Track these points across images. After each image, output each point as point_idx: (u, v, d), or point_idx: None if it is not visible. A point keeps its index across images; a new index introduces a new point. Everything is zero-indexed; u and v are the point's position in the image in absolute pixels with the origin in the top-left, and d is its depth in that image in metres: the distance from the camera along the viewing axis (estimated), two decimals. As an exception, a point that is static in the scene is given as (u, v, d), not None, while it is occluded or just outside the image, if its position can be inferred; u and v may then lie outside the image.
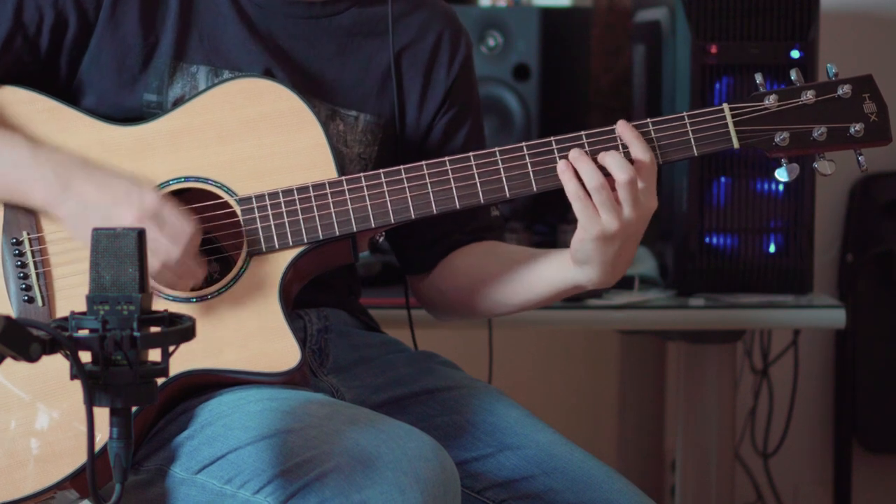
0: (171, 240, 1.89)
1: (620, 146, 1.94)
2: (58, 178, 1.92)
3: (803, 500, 3.64)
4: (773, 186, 2.80)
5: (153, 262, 1.87)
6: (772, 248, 2.81)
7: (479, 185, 1.96)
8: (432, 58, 2.14)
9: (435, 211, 1.96)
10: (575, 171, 1.92)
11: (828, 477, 3.57)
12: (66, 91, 2.05)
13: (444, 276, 2.15)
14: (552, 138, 1.96)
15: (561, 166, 1.93)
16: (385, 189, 1.96)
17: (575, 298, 2.77)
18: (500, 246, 2.15)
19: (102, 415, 1.58)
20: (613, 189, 1.91)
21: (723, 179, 2.80)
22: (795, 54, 2.77)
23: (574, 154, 1.93)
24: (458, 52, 2.16)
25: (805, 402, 3.53)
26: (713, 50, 2.77)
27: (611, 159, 1.92)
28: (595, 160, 1.92)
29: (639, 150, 1.93)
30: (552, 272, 2.03)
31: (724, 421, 3.00)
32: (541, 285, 2.04)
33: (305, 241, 1.96)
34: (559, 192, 1.96)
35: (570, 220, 3.04)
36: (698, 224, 2.80)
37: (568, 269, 1.99)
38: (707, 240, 2.81)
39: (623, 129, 1.94)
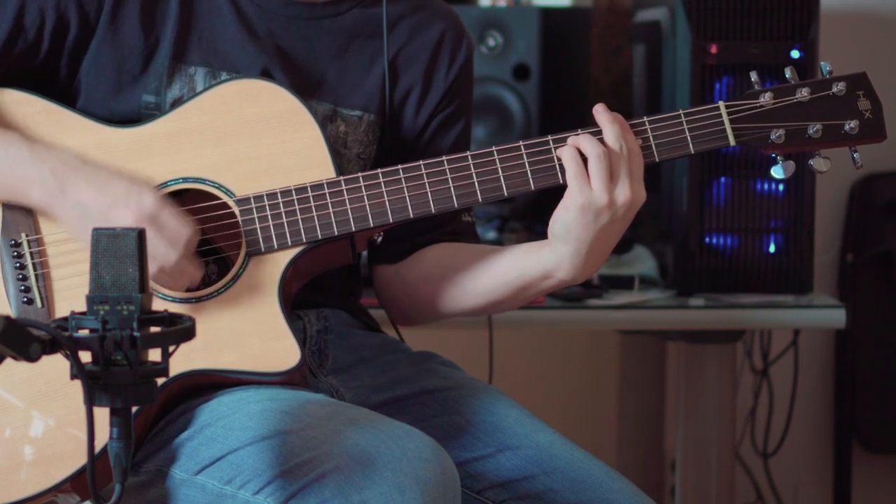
0: (168, 243, 1.90)
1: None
2: (55, 178, 1.92)
3: (803, 500, 3.64)
4: (773, 186, 2.80)
5: (150, 265, 1.86)
6: (772, 248, 2.81)
7: (476, 184, 1.97)
8: (433, 57, 2.15)
9: (433, 210, 1.96)
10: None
11: (828, 477, 3.57)
12: (66, 92, 2.05)
13: (412, 265, 2.14)
14: (549, 137, 1.96)
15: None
16: (383, 189, 1.97)
17: (575, 298, 2.77)
18: (475, 245, 2.14)
19: (102, 416, 1.58)
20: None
21: (723, 179, 2.80)
22: (795, 54, 2.78)
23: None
24: (460, 54, 2.16)
25: (805, 402, 3.53)
26: (713, 50, 2.78)
27: (608, 135, 1.92)
28: None
29: (630, 138, 1.93)
30: (523, 255, 2.01)
31: (724, 421, 3.00)
32: (512, 272, 2.02)
33: (304, 241, 1.96)
34: (559, 192, 1.96)
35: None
36: (698, 224, 2.80)
37: (540, 250, 1.99)
38: (707, 240, 2.81)
39: (611, 117, 1.94)
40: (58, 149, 1.95)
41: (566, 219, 1.93)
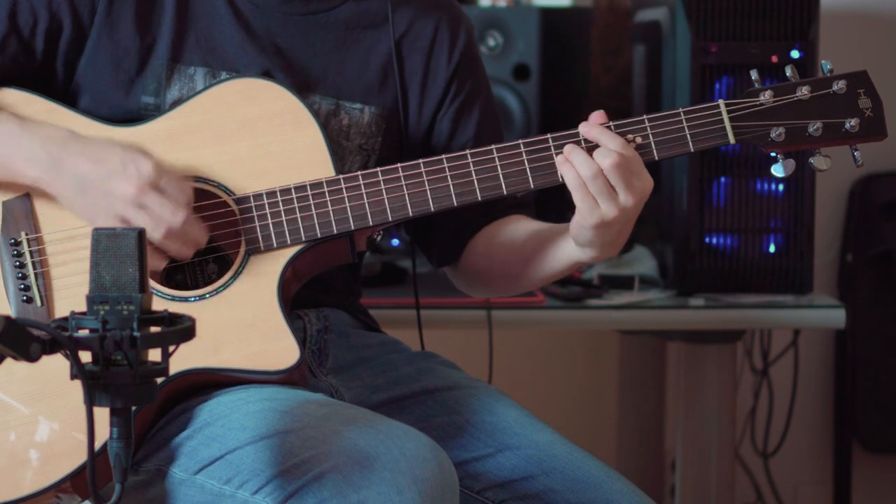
0: (173, 205, 1.90)
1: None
2: (49, 155, 1.92)
3: (803, 500, 3.64)
4: (773, 186, 2.80)
5: (157, 232, 1.89)
6: (772, 248, 2.81)
7: (476, 182, 1.97)
8: (431, 46, 2.14)
9: (433, 209, 1.97)
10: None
11: (828, 477, 3.57)
12: (65, 93, 2.05)
13: (464, 261, 2.17)
14: (549, 135, 1.97)
15: (560, 159, 1.94)
16: (383, 187, 1.97)
17: (575, 298, 2.77)
18: (510, 227, 2.15)
19: (102, 415, 1.58)
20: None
21: (723, 179, 2.80)
22: (795, 54, 2.78)
23: (569, 148, 1.94)
24: (458, 40, 2.16)
25: (805, 402, 3.53)
26: (713, 50, 2.78)
27: (596, 151, 1.93)
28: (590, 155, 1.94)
29: (609, 141, 1.93)
30: (559, 254, 2.04)
31: (724, 421, 3.01)
32: (550, 265, 2.06)
33: (304, 239, 1.96)
34: (559, 190, 1.96)
35: (570, 219, 3.04)
36: (698, 224, 2.80)
37: (572, 249, 2.01)
38: (707, 240, 2.81)
39: (586, 129, 1.95)
40: (48, 124, 1.95)
41: (585, 234, 1.94)
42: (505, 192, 1.97)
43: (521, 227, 2.14)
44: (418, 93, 2.13)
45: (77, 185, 1.91)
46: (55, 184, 1.93)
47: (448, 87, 2.14)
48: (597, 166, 1.91)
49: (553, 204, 2.44)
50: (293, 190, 1.96)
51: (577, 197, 1.92)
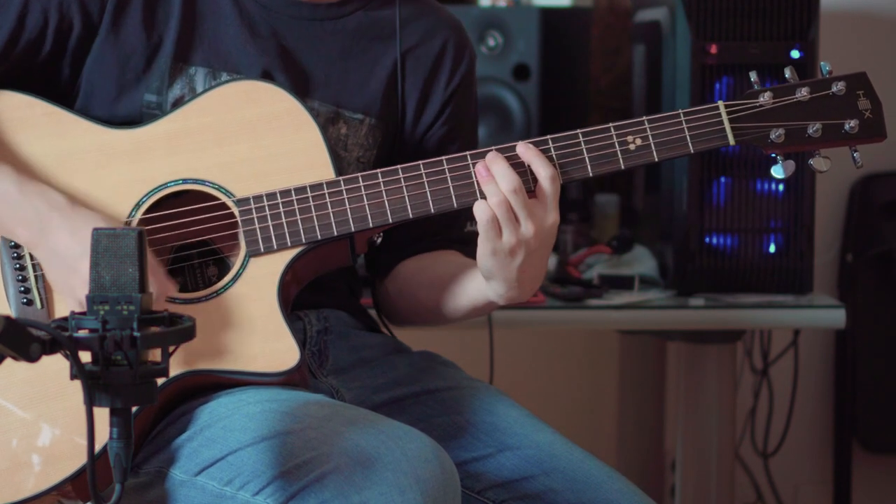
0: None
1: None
2: (38, 221, 1.91)
3: (803, 500, 3.64)
4: (773, 186, 2.80)
5: None
6: (772, 248, 2.81)
7: (477, 183, 1.96)
8: (435, 65, 2.15)
9: (433, 210, 1.97)
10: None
11: (828, 477, 3.57)
12: (69, 93, 2.05)
13: (390, 277, 2.16)
14: (549, 137, 1.97)
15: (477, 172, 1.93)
16: (383, 189, 1.97)
17: (575, 298, 2.77)
18: (446, 256, 2.15)
19: (102, 419, 1.58)
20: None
21: (723, 179, 2.80)
22: (795, 54, 2.78)
23: (483, 167, 1.93)
24: (461, 64, 2.16)
25: (805, 402, 3.53)
26: (713, 50, 2.78)
27: (501, 182, 1.92)
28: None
29: (539, 167, 1.93)
30: (470, 287, 2.03)
31: (724, 421, 3.01)
32: (462, 299, 2.05)
33: (304, 241, 1.96)
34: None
35: (569, 221, 3.05)
36: (698, 224, 2.80)
37: (481, 284, 2.00)
38: (707, 240, 2.81)
39: (523, 149, 1.94)
40: (47, 189, 1.94)
41: (486, 263, 1.94)
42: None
43: (447, 258, 2.13)
44: (415, 109, 2.14)
45: (50, 256, 1.91)
46: (37, 249, 1.92)
47: (442, 110, 2.15)
48: (502, 195, 1.91)
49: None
50: (293, 192, 1.96)
51: (479, 225, 1.91)
